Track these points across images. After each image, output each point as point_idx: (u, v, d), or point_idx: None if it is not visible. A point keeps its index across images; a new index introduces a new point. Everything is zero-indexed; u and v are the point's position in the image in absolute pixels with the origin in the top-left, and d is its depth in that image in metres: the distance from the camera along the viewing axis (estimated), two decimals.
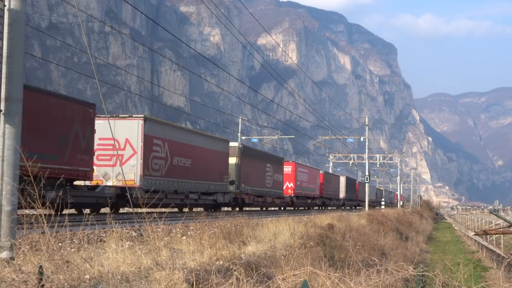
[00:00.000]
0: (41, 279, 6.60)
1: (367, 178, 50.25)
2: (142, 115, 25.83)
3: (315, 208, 58.06)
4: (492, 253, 28.38)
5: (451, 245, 41.53)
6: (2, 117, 8.05)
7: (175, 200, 28.27)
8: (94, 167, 22.82)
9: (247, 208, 40.79)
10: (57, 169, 19.50)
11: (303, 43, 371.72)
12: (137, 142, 25.02)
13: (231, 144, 36.87)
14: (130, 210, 21.51)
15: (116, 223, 11.52)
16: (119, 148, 24.79)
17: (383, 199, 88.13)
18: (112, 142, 24.01)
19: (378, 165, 79.06)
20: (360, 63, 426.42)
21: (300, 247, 13.60)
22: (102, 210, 23.72)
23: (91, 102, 23.31)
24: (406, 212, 56.06)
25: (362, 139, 55.68)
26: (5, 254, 7.78)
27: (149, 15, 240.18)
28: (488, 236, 34.54)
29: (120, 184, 24.24)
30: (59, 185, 19.13)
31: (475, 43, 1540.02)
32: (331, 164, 75.98)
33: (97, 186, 23.21)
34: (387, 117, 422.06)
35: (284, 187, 48.26)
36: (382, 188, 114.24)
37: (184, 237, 12.34)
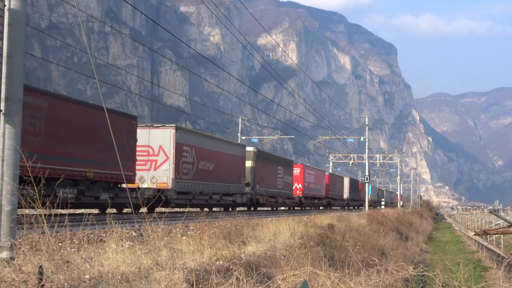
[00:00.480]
0: (41, 279, 6.60)
1: (367, 178, 50.26)
2: (174, 125, 28.66)
3: (321, 208, 59.92)
4: (492, 253, 28.38)
5: (451, 245, 41.53)
6: (2, 117, 8.05)
7: (201, 201, 31.47)
8: None
9: (260, 208, 43.39)
10: (107, 174, 22.55)
11: (303, 43, 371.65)
12: (170, 149, 27.86)
13: (247, 148, 39.62)
14: (166, 209, 24.13)
15: (116, 223, 11.52)
16: (153, 154, 27.76)
17: (383, 199, 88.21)
18: (147, 149, 27.29)
19: (378, 165, 79.01)
20: (360, 63, 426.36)
21: (300, 247, 13.60)
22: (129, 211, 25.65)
23: (134, 115, 27.24)
24: (406, 212, 56.05)
25: (362, 139, 55.67)
26: (5, 254, 7.78)
27: (149, 15, 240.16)
28: (488, 236, 34.53)
29: (154, 186, 27.07)
30: (111, 188, 23.43)
31: (475, 43, 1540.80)
32: (331, 164, 75.94)
33: (138, 188, 25.58)
34: (387, 117, 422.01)
35: (293, 188, 50.68)
36: (383, 189, 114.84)
37: (184, 237, 12.34)
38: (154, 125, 29.08)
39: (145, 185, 26.88)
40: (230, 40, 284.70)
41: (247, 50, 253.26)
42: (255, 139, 60.23)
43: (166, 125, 28.78)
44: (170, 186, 27.52)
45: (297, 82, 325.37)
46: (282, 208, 49.52)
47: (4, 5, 8.11)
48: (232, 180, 35.37)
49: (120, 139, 23.28)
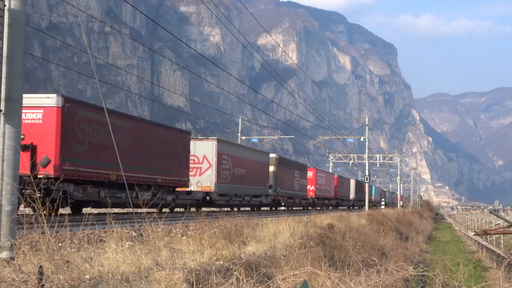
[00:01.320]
0: (41, 279, 6.60)
1: (367, 178, 50.29)
2: (216, 138, 34.06)
3: (330, 208, 64.06)
4: (492, 253, 28.38)
5: (451, 245, 41.53)
6: (2, 117, 8.05)
7: (236, 201, 36.85)
8: None
9: (282, 208, 48.31)
10: (170, 180, 27.47)
11: (303, 43, 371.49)
12: (212, 158, 32.63)
13: (270, 155, 44.51)
14: (210, 209, 32.14)
15: (116, 223, 11.51)
16: (198, 162, 32.39)
17: (383, 199, 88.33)
18: (193, 157, 31.45)
19: (378, 165, 79.13)
20: (360, 63, 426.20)
21: (300, 247, 13.60)
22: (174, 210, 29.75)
23: (188, 131, 32.84)
24: (406, 212, 56.08)
25: (362, 139, 55.75)
26: (5, 254, 7.78)
27: (149, 15, 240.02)
28: (488, 236, 34.53)
29: (199, 189, 31.92)
30: (172, 191, 28.29)
31: (475, 43, 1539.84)
32: (331, 164, 75.99)
33: (190, 191, 30.80)
34: (387, 117, 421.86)
35: (307, 190, 55.43)
36: (385, 190, 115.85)
37: (184, 237, 12.34)
38: (199, 137, 34.76)
39: (191, 189, 31.24)
40: (230, 40, 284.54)
41: (247, 50, 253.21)
42: (255, 139, 60.21)
43: (209, 137, 34.35)
44: (213, 189, 32.33)
45: (297, 82, 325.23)
46: (301, 208, 53.79)
47: (4, 5, 8.11)
48: (259, 183, 40.32)
49: (178, 152, 28.77)
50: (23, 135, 17.38)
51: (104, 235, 11.66)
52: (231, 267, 8.92)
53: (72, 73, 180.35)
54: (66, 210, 21.35)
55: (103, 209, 23.78)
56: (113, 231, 10.72)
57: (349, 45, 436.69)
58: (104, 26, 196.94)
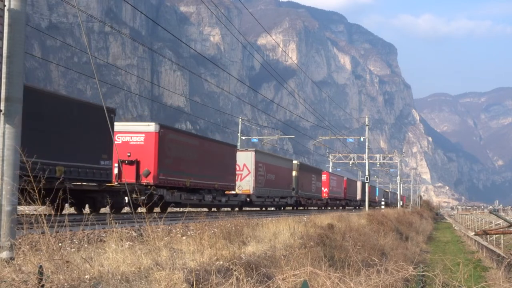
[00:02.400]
0: (41, 279, 6.59)
1: (367, 178, 50.28)
2: (254, 149, 40.62)
3: (340, 208, 67.98)
4: (492, 253, 28.38)
5: (451, 245, 41.53)
6: (2, 117, 8.04)
7: (268, 202, 43.19)
8: None
9: (301, 208, 53.39)
10: (223, 185, 33.84)
11: (303, 43, 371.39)
12: (251, 166, 38.49)
13: (293, 162, 50.64)
14: (249, 208, 39.36)
15: (116, 223, 11.51)
16: (239, 170, 37.65)
17: (383, 199, 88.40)
18: (235, 166, 36.42)
19: (378, 165, 79.11)
20: (360, 63, 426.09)
21: (300, 247, 13.60)
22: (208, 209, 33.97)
23: (235, 144, 40.57)
24: (406, 212, 56.06)
25: (362, 139, 55.72)
26: (5, 254, 7.77)
27: (149, 15, 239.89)
28: (488, 236, 34.53)
29: (240, 192, 37.53)
30: (224, 194, 34.68)
31: (475, 43, 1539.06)
32: (331, 164, 75.93)
33: (236, 194, 36.64)
34: (387, 117, 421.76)
35: (321, 191, 60.89)
36: (388, 190, 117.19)
37: (184, 237, 12.33)
38: (239, 148, 40.11)
39: (233, 192, 36.23)
40: (230, 40, 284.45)
41: (247, 50, 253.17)
42: (255, 139, 60.16)
43: (248, 149, 40.69)
44: (251, 192, 38.31)
45: (297, 82, 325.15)
46: (316, 208, 58.13)
47: (4, 5, 8.10)
48: (285, 187, 46.08)
49: (228, 161, 34.91)
50: (130, 153, 25.47)
51: (104, 235, 11.66)
52: (231, 267, 8.92)
53: (72, 73, 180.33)
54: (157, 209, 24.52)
55: (182, 208, 28.01)
56: (113, 231, 10.72)
57: (349, 45, 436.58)
58: (104, 26, 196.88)
